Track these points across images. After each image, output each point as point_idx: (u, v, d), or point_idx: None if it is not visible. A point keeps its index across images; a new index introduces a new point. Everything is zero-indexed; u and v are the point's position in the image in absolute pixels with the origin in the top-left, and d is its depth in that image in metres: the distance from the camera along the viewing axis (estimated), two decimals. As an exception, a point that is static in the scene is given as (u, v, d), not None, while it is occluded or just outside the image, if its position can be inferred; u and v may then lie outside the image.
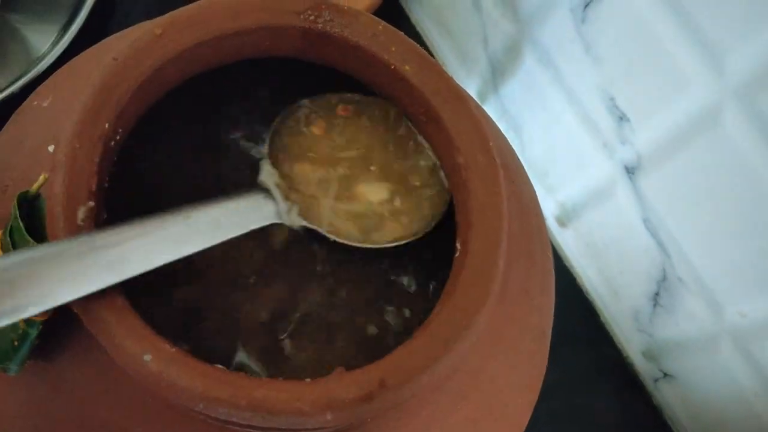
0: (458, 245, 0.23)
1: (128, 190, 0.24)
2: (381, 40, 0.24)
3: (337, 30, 0.23)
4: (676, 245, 0.41)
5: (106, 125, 0.21)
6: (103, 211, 0.21)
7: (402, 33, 0.24)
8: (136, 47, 0.22)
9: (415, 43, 0.24)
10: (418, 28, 0.55)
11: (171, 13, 0.23)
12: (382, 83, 0.24)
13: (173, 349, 0.18)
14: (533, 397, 0.27)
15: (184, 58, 0.23)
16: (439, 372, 0.20)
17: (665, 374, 0.46)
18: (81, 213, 0.20)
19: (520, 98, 0.48)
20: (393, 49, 0.24)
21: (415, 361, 0.20)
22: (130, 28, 0.27)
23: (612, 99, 0.41)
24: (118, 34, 0.28)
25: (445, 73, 0.24)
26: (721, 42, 0.33)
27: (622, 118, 0.41)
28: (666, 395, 0.47)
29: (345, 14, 0.23)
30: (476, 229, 0.22)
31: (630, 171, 0.42)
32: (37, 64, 0.40)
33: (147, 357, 0.18)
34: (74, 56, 0.28)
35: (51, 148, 0.23)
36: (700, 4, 0.34)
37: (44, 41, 0.42)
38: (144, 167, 0.26)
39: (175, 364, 0.18)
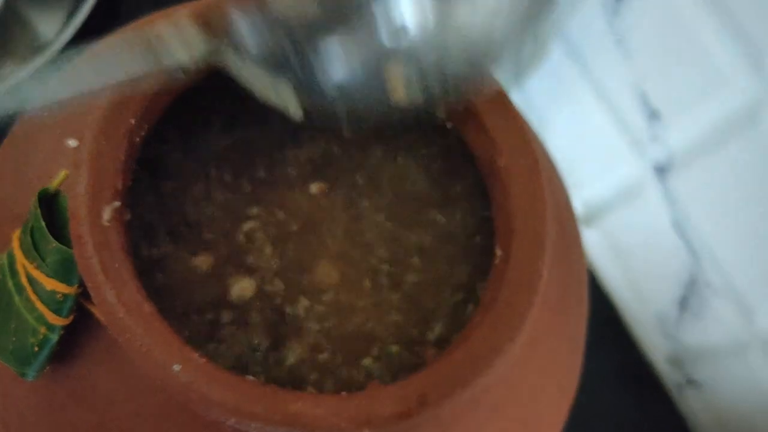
0: (498, 251, 0.22)
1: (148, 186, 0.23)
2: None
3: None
4: (707, 249, 0.40)
5: (132, 121, 0.20)
6: (126, 211, 0.20)
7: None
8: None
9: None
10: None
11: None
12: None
13: (204, 360, 0.17)
14: (567, 408, 0.26)
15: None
16: (481, 386, 0.19)
17: (690, 381, 0.45)
18: (106, 213, 0.19)
19: (546, 92, 0.47)
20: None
21: (456, 375, 0.19)
22: (151, 17, 0.25)
23: (643, 95, 0.39)
24: (137, 23, 0.27)
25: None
26: (762, 38, 0.32)
27: (653, 115, 0.39)
28: (691, 403, 0.46)
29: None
30: (519, 235, 0.21)
31: (660, 170, 0.41)
32: (45, 50, 0.39)
33: (177, 367, 0.17)
34: (82, 42, 0.27)
35: (71, 143, 0.22)
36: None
37: (51, 27, 0.41)
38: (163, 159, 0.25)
39: (206, 375, 0.17)
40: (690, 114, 0.37)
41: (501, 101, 0.23)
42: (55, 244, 0.19)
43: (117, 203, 0.19)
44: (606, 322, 0.49)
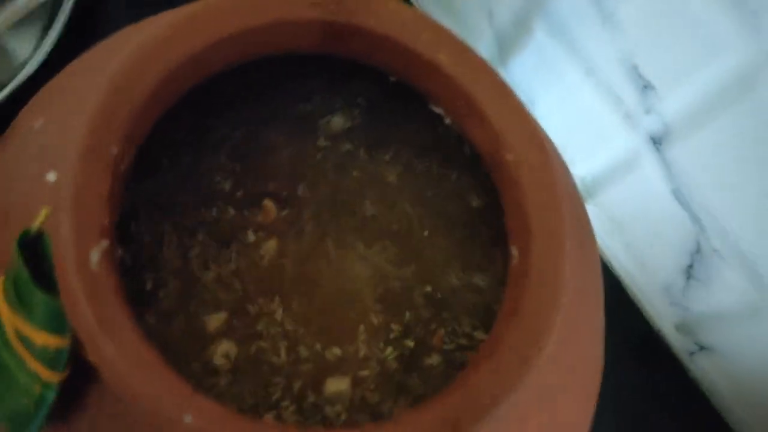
0: (514, 251, 0.21)
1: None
2: (410, 29, 0.21)
3: (361, 20, 0.20)
4: (710, 216, 0.39)
5: (114, 149, 0.18)
6: (117, 248, 0.19)
7: (433, 19, 0.21)
8: (140, 55, 0.19)
9: (448, 29, 0.21)
10: (417, 4, 0.51)
11: (171, 12, 0.20)
12: (415, 75, 0.22)
13: (218, 407, 0.16)
14: (593, 405, 0.25)
15: (193, 63, 0.20)
16: (512, 402, 0.18)
17: (702, 347, 0.45)
18: (94, 255, 0.17)
19: (531, 72, 0.46)
20: (424, 37, 0.21)
21: (487, 392, 0.18)
22: (126, 30, 0.24)
23: (635, 67, 0.38)
24: (111, 39, 0.25)
25: (484, 61, 0.21)
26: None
27: (646, 87, 0.38)
28: (703, 368, 0.46)
29: (369, 2, 0.20)
30: (536, 235, 0.20)
31: (656, 141, 0.40)
32: (20, 70, 0.37)
33: (188, 418, 0.16)
34: (60, 60, 0.25)
35: (50, 177, 0.20)
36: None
37: (26, 45, 0.39)
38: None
39: (221, 424, 0.16)
40: (684, 83, 0.36)
41: (500, 90, 0.22)
42: (41, 294, 0.17)
43: (105, 242, 0.18)
44: (610, 294, 0.48)
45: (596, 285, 0.25)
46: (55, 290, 0.17)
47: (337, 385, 0.22)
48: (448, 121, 0.24)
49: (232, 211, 0.24)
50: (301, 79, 0.26)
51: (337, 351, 0.23)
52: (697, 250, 0.41)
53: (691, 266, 0.42)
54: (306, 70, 0.26)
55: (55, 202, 0.18)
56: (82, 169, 0.17)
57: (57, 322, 0.17)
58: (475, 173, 0.25)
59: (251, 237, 0.24)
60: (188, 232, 0.24)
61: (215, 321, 0.23)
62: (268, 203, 0.24)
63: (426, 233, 0.25)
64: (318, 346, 0.23)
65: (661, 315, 0.47)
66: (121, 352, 0.17)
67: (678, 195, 0.40)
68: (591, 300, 0.25)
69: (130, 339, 0.17)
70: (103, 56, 0.22)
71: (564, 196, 0.21)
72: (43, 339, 0.17)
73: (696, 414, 0.46)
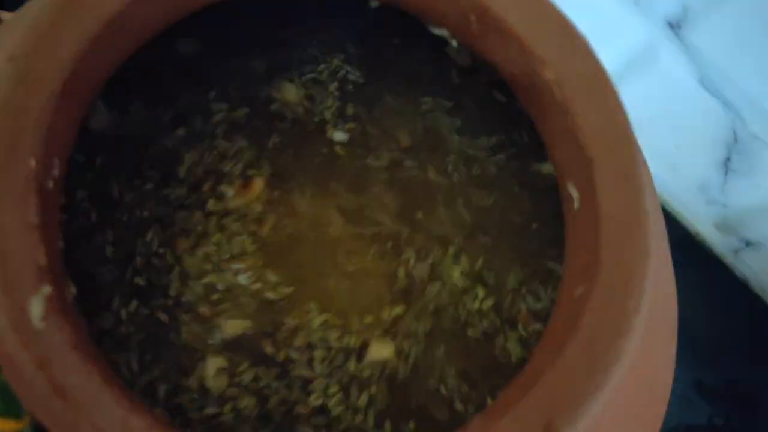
0: (573, 192, 0.16)
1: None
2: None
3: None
4: (746, 99, 0.35)
5: (32, 161, 0.14)
6: (70, 285, 0.14)
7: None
8: (42, 29, 0.14)
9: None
10: None
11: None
12: (468, 32, 0.17)
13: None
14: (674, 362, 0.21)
15: (114, 28, 0.15)
16: (608, 396, 0.14)
17: (748, 243, 0.41)
18: (35, 308, 0.13)
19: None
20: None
21: (576, 384, 0.14)
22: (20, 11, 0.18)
23: (641, -58, 0.33)
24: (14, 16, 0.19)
25: (563, 15, 0.16)
26: None
27: (658, -35, 0.33)
28: (751, 265, 0.42)
29: None
30: (601, 170, 0.15)
31: (674, 26, 0.35)
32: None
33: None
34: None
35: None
36: None
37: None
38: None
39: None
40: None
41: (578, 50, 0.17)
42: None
43: (47, 287, 0.13)
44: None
45: (667, 258, 0.21)
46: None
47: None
48: (454, 43, 0.19)
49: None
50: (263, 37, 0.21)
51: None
52: (735, 140, 0.37)
53: (728, 159, 0.38)
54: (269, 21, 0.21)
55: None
56: (-10, 196, 0.13)
57: (6, 403, 0.13)
58: (493, 105, 0.20)
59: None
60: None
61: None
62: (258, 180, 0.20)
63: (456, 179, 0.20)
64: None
65: (698, 216, 0.43)
66: (99, 428, 0.12)
67: (706, 83, 0.35)
68: (663, 245, 0.21)
69: (108, 406, 0.13)
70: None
71: (625, 114, 0.16)
72: (-6, 426, 0.13)
73: (748, 314, 0.43)
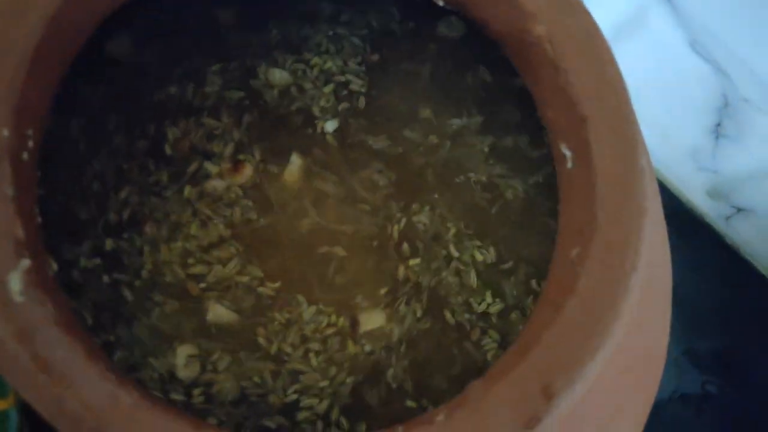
0: (565, 151, 0.16)
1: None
2: None
3: None
4: (736, 62, 0.34)
5: (5, 132, 0.13)
6: (50, 260, 0.14)
7: None
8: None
9: None
10: None
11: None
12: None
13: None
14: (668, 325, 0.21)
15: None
16: (605, 358, 0.14)
17: (739, 209, 0.41)
18: (14, 282, 0.12)
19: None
20: None
21: (576, 347, 0.14)
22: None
23: None
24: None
25: None
26: None
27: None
28: (741, 231, 0.42)
29: None
30: (595, 125, 0.15)
31: (664, -12, 0.34)
32: None
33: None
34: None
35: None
36: None
37: None
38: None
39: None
40: None
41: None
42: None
43: (25, 261, 0.13)
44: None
45: (656, 184, 0.21)
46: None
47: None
48: (441, 3, 0.18)
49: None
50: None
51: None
52: (725, 104, 0.37)
53: (719, 124, 0.38)
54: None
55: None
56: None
57: (-11, 381, 0.13)
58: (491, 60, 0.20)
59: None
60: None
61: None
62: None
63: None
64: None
65: (689, 183, 0.43)
66: (86, 403, 0.12)
67: (696, 47, 0.35)
68: (657, 205, 0.20)
69: (93, 381, 0.12)
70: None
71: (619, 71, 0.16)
72: (-23, 406, 0.13)
73: (738, 280, 0.43)
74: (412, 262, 0.19)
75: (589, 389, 0.14)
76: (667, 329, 0.21)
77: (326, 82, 0.20)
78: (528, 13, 0.16)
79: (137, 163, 0.19)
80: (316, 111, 0.20)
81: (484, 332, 0.18)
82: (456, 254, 0.19)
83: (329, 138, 0.20)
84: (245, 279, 0.18)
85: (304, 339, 0.18)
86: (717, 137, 0.38)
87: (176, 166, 0.19)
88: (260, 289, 0.18)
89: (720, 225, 0.43)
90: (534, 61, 0.16)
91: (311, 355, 0.18)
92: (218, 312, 0.18)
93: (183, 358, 0.17)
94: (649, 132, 0.42)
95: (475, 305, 0.19)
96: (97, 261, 0.17)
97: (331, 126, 0.20)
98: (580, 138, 0.15)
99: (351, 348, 0.18)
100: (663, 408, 0.38)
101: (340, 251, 0.19)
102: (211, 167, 0.19)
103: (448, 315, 0.18)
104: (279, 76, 0.20)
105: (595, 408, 0.16)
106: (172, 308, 0.17)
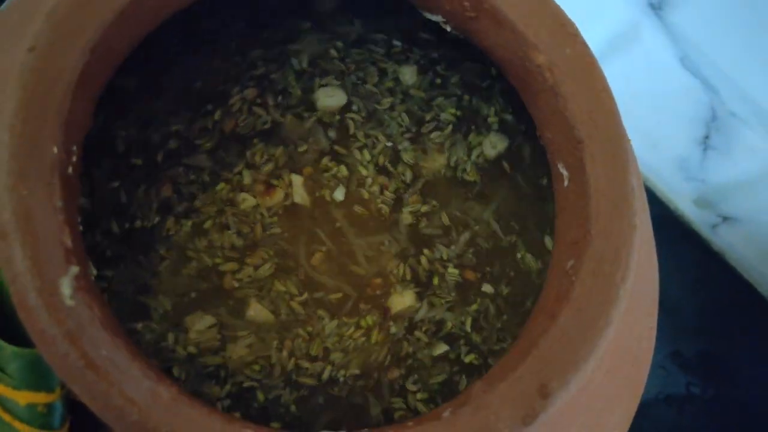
0: (562, 170, 0.17)
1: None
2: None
3: None
4: (724, 78, 0.36)
5: (54, 149, 0.14)
6: (91, 267, 0.15)
7: None
8: (58, 20, 0.14)
9: None
10: None
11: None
12: (462, 17, 0.18)
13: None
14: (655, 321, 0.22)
15: (126, 19, 0.16)
16: (596, 361, 0.15)
17: (726, 218, 0.43)
18: (65, 287, 0.14)
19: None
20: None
21: (570, 351, 0.15)
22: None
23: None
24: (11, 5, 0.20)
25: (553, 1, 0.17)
26: None
27: (638, -55, 0.34)
28: (727, 239, 0.44)
29: None
30: (590, 152, 0.16)
31: (656, 6, 0.36)
32: None
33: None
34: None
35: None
36: None
37: None
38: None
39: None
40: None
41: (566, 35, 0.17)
42: (10, 348, 0.14)
43: (74, 268, 0.14)
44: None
45: (645, 200, 0.22)
46: (25, 337, 0.14)
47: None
48: (449, 29, 0.20)
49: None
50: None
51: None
52: (713, 118, 0.38)
53: (707, 136, 0.39)
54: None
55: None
56: (18, 176, 0.13)
57: (40, 376, 0.14)
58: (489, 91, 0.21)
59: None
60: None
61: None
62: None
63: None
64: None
65: (678, 192, 0.44)
66: (128, 397, 0.13)
67: (686, 62, 0.37)
68: (646, 220, 0.22)
69: (136, 377, 0.14)
70: (12, 29, 0.18)
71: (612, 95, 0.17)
72: (26, 398, 0.14)
73: (723, 286, 0.45)
74: None
75: (582, 389, 0.16)
76: (654, 333, 0.23)
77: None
78: (530, 43, 0.17)
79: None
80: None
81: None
82: None
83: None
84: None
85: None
86: (705, 149, 0.40)
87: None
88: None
89: (706, 233, 0.45)
90: (534, 87, 0.18)
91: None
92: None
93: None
94: (640, 143, 0.43)
95: None
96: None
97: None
98: (576, 159, 0.17)
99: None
100: (649, 407, 0.40)
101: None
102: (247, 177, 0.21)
103: None
104: None
105: (586, 406, 0.17)
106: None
